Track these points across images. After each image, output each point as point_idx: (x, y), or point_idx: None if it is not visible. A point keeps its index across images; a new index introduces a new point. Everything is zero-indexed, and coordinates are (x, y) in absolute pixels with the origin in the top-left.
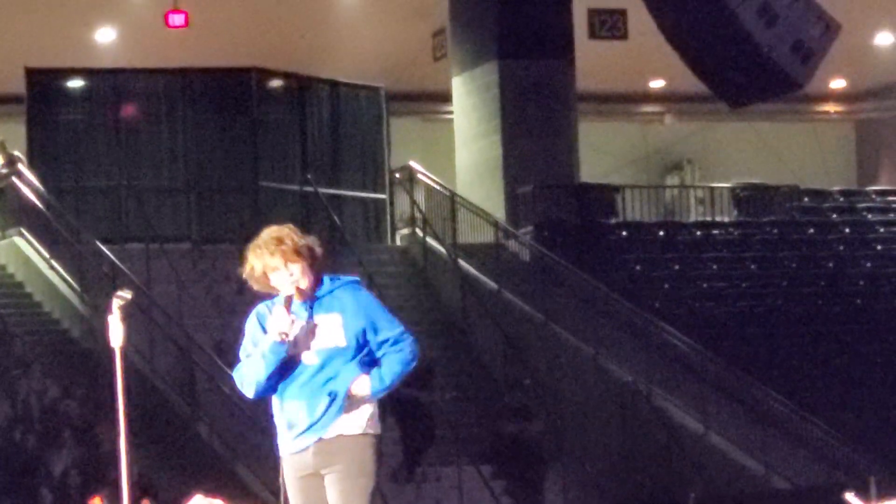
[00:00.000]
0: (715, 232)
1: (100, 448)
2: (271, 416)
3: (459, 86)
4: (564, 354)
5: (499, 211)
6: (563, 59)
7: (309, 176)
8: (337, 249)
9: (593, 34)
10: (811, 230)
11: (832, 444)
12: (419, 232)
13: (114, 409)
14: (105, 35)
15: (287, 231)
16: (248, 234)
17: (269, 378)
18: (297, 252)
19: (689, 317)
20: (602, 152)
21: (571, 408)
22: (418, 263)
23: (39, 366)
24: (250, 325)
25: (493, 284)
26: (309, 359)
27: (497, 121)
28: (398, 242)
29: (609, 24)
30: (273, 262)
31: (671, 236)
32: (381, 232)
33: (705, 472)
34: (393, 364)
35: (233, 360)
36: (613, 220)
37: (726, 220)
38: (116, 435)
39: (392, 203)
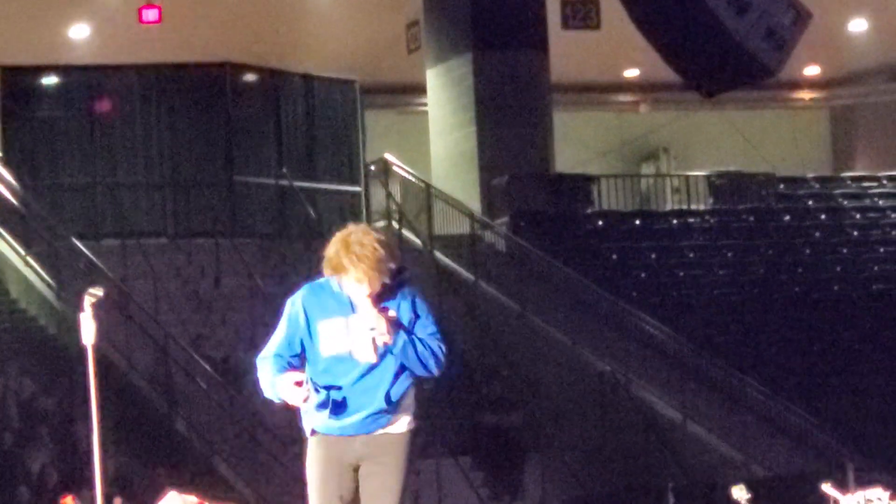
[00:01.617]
0: (691, 220)
1: (77, 445)
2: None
3: (434, 78)
4: (542, 345)
5: (474, 202)
6: (537, 49)
7: (284, 169)
8: (313, 244)
9: (566, 24)
10: (787, 217)
11: (811, 432)
12: (395, 224)
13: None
14: (79, 31)
15: (375, 248)
16: (223, 228)
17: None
18: (377, 272)
19: (666, 305)
20: (577, 142)
21: (549, 398)
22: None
23: (16, 363)
24: (293, 309)
25: (469, 275)
26: (365, 357)
27: (472, 112)
28: None
29: (582, 14)
30: (357, 275)
31: (647, 225)
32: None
33: (684, 460)
34: (424, 343)
35: (212, 354)
36: (589, 210)
37: (702, 208)
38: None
39: (368, 195)
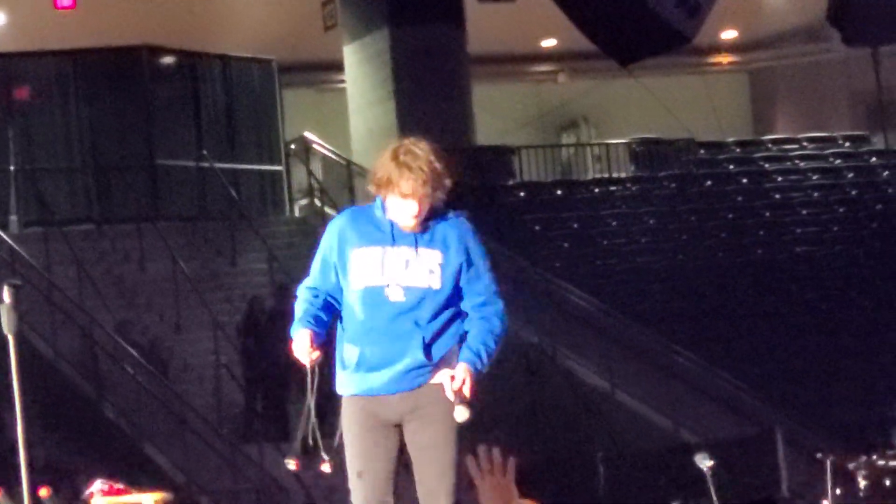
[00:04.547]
0: (613, 188)
1: (4, 435)
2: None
3: (351, 54)
4: None
5: None
6: (454, 22)
7: (204, 151)
8: (235, 223)
9: None
10: (709, 182)
11: (739, 397)
12: (317, 202)
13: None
14: None
15: (430, 160)
16: (146, 213)
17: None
18: (430, 186)
19: (590, 275)
20: (497, 114)
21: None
22: (317, 233)
23: None
24: (328, 236)
25: None
26: (395, 294)
27: (390, 87)
28: (297, 213)
29: None
30: (405, 188)
31: (569, 195)
32: (279, 204)
33: (613, 429)
34: (486, 339)
35: (138, 339)
36: (511, 182)
37: (623, 175)
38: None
39: (289, 174)
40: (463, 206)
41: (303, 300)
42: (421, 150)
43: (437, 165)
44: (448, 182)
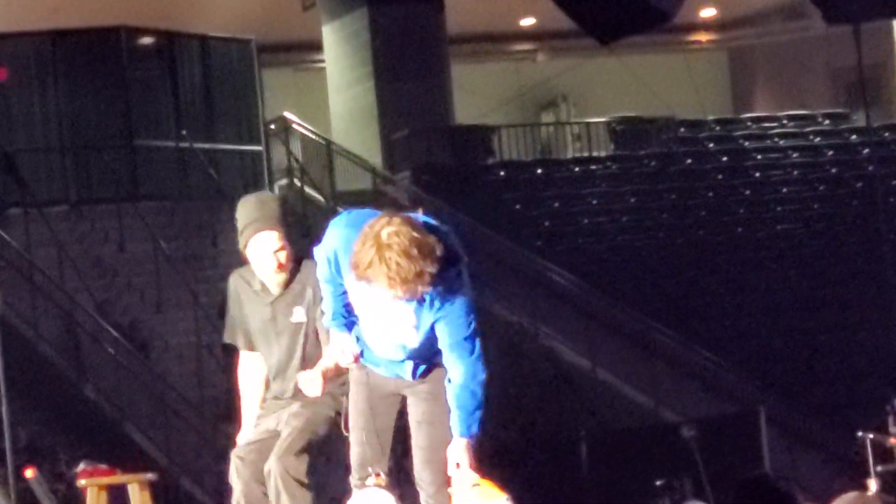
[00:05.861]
0: (593, 167)
1: None
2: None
3: (330, 34)
4: None
5: (375, 157)
6: (432, 1)
7: (184, 132)
8: (215, 203)
9: None
10: (689, 161)
11: (720, 375)
12: (297, 182)
13: None
14: None
15: (409, 253)
16: (125, 193)
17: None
18: (412, 283)
19: (571, 253)
20: (476, 93)
21: None
22: (297, 213)
23: None
24: (325, 247)
25: None
26: (377, 336)
27: (369, 67)
28: (277, 193)
29: None
30: (383, 285)
31: (549, 174)
32: (259, 184)
33: (595, 407)
34: (465, 401)
35: (118, 319)
36: (490, 161)
37: (603, 154)
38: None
39: (268, 154)
40: (444, 186)
41: (325, 280)
42: (402, 239)
43: (418, 262)
44: (431, 269)
